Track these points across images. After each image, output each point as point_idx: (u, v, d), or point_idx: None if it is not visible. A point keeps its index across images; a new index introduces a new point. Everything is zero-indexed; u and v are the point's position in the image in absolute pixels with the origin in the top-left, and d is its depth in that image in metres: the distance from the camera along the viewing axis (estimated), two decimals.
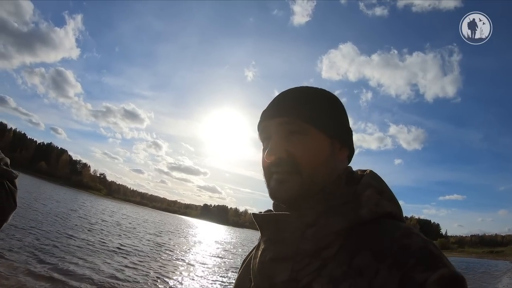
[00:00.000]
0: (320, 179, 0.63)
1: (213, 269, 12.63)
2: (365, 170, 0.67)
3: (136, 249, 12.64)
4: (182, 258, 13.88)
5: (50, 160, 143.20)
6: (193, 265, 12.38)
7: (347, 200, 0.59)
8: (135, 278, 8.05)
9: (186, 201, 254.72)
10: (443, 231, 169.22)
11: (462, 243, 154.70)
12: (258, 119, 0.71)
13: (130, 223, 27.58)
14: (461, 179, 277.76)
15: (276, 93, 0.71)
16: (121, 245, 12.82)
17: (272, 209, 0.72)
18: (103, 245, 11.67)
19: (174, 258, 13.08)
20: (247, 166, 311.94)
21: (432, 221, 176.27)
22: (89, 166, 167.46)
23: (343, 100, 0.73)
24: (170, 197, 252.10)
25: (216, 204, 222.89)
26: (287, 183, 0.63)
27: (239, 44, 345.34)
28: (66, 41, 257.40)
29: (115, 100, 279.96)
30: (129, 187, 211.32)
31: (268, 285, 0.59)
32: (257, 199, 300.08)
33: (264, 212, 0.72)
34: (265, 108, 0.71)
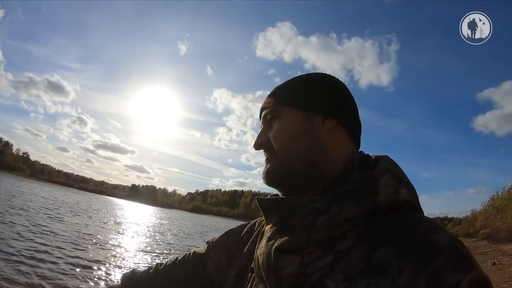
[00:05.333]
0: (291, 152, 0.62)
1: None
2: (380, 155, 0.62)
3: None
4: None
5: None
6: None
7: (363, 185, 0.54)
8: None
9: (114, 181, 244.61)
10: None
11: None
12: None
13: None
14: None
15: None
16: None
17: (279, 194, 0.68)
18: None
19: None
20: (175, 146, 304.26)
21: None
22: (12, 145, 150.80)
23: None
24: (97, 177, 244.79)
25: (144, 184, 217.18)
26: (270, 164, 0.65)
27: (175, 19, 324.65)
28: None
29: (38, 71, 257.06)
30: (53, 167, 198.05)
31: (273, 279, 0.53)
32: (185, 179, 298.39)
33: (270, 196, 0.68)
34: None
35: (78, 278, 6.29)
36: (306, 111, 0.63)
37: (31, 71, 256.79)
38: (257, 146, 0.67)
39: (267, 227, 0.60)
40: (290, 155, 0.62)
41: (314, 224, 0.51)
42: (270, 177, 0.64)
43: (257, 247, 0.61)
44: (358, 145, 0.67)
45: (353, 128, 0.66)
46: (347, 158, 0.61)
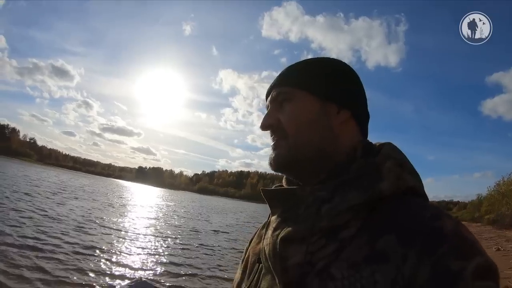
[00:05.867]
0: (304, 139, 0.60)
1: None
2: (383, 143, 0.61)
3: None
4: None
5: None
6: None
7: (366, 172, 0.54)
8: None
9: (120, 163, 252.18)
10: None
11: None
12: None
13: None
14: None
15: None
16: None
17: (283, 184, 0.68)
18: None
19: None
20: (181, 127, 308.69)
21: None
22: (18, 131, 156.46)
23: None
24: (104, 160, 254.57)
25: (151, 166, 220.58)
26: (278, 148, 0.63)
27: (178, 2, 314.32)
28: None
29: (42, 57, 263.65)
30: (61, 152, 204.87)
31: (280, 268, 0.53)
32: (192, 160, 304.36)
33: (275, 187, 0.68)
34: None
35: (80, 266, 6.27)
36: (323, 99, 0.61)
37: (35, 57, 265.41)
38: (265, 127, 0.65)
39: (273, 218, 0.60)
40: (302, 143, 0.60)
41: (318, 213, 0.52)
42: (279, 163, 0.62)
43: (263, 238, 0.61)
44: (366, 137, 0.66)
45: (364, 120, 0.65)
46: (352, 147, 0.60)
